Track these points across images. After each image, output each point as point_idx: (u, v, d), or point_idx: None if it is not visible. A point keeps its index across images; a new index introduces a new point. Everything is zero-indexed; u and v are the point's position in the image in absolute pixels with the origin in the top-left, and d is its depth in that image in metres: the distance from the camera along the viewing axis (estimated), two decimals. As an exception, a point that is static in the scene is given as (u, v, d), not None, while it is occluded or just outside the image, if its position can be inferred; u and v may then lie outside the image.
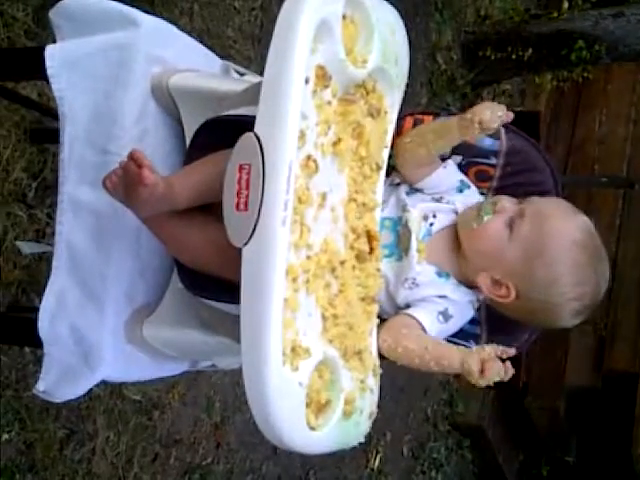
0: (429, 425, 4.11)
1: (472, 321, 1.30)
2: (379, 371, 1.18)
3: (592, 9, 4.09)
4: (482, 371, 1.08)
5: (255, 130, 0.94)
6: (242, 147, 0.95)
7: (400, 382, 3.89)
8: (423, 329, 1.22)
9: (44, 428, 1.96)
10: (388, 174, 1.28)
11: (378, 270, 1.17)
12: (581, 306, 1.22)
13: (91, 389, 2.07)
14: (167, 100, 1.23)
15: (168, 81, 1.22)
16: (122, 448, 2.21)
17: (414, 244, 1.22)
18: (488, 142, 1.28)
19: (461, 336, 1.29)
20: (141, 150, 1.18)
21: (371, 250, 1.15)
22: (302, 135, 0.99)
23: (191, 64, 1.29)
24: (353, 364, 1.12)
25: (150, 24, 1.23)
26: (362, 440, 1.16)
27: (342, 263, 1.11)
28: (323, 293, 1.07)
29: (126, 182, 1.06)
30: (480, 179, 1.31)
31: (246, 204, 0.94)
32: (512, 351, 1.10)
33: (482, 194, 1.32)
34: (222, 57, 1.43)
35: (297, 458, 3.09)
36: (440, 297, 1.25)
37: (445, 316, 1.25)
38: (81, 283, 1.19)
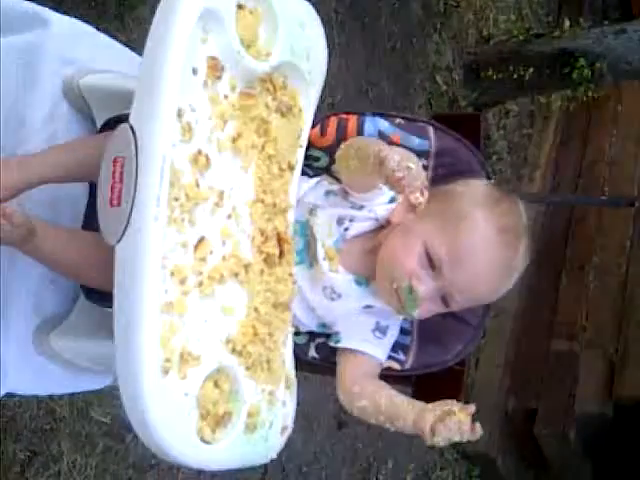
0: (434, 453, 4.00)
1: (402, 331, 1.23)
2: (294, 382, 1.11)
3: (594, 27, 4.03)
4: (433, 431, 0.99)
5: (130, 121, 0.89)
6: (117, 139, 0.91)
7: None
8: (370, 360, 1.17)
9: (2, 449, 1.91)
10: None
11: (290, 275, 1.11)
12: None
13: (55, 410, 2.05)
14: (80, 102, 1.19)
15: (79, 82, 1.18)
16: (90, 472, 2.15)
17: (320, 252, 1.14)
18: (417, 141, 1.22)
19: (391, 347, 1.22)
20: None
21: (281, 254, 1.09)
22: (188, 128, 0.93)
23: (110, 65, 1.25)
24: (261, 375, 1.05)
25: (62, 24, 1.20)
26: (274, 456, 1.09)
27: (246, 267, 1.04)
28: (224, 298, 1.01)
29: None
30: None
31: (119, 199, 0.89)
32: (472, 408, 1.00)
33: None
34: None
35: (289, 484, 3.02)
36: (365, 308, 1.19)
37: (380, 330, 1.19)
38: (-17, 292, 1.14)
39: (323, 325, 1.21)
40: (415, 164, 1.01)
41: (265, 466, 2.84)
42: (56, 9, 1.28)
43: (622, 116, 4.84)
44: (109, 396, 2.19)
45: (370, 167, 1.05)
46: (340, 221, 1.16)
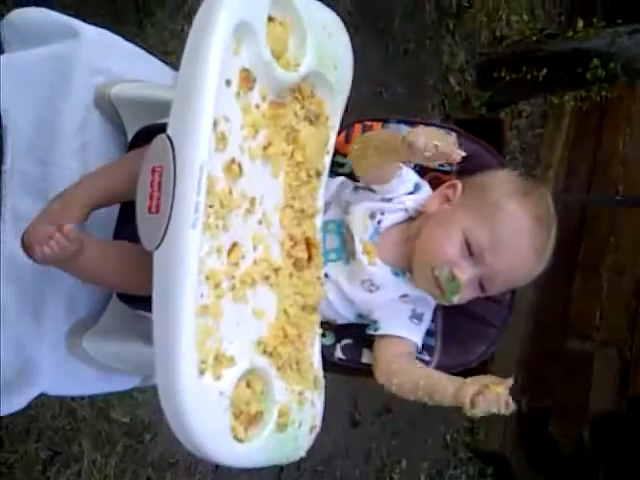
0: (448, 452, 4.02)
1: (427, 332, 1.26)
2: (321, 383, 1.14)
3: (608, 27, 4.04)
4: (472, 403, 1.04)
5: (167, 132, 0.93)
6: (155, 149, 0.94)
7: (416, 406, 3.77)
8: (408, 342, 1.22)
9: (25, 449, 1.95)
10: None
11: (319, 278, 1.14)
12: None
13: (75, 410, 2.09)
14: (110, 110, 1.22)
15: (110, 91, 1.21)
16: (110, 471, 2.19)
17: (358, 247, 1.19)
18: (440, 148, 1.25)
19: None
20: (84, 160, 1.18)
21: (310, 258, 1.12)
22: (222, 138, 0.97)
23: (139, 75, 1.28)
24: (291, 375, 1.08)
25: (92, 35, 1.23)
26: (303, 455, 1.12)
27: (276, 271, 1.08)
28: (256, 301, 1.05)
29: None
30: (435, 187, 1.27)
31: (158, 206, 0.92)
32: (510, 381, 1.05)
33: None
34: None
35: (305, 483, 3.04)
36: (402, 297, 1.23)
37: (417, 317, 1.24)
38: (22, 294, 1.18)
39: (360, 315, 1.25)
40: (441, 140, 1.05)
41: (281, 464, 2.88)
42: (75, 16, 1.32)
43: (635, 116, 4.84)
44: (128, 397, 2.24)
45: (396, 156, 1.12)
46: (372, 215, 1.21)
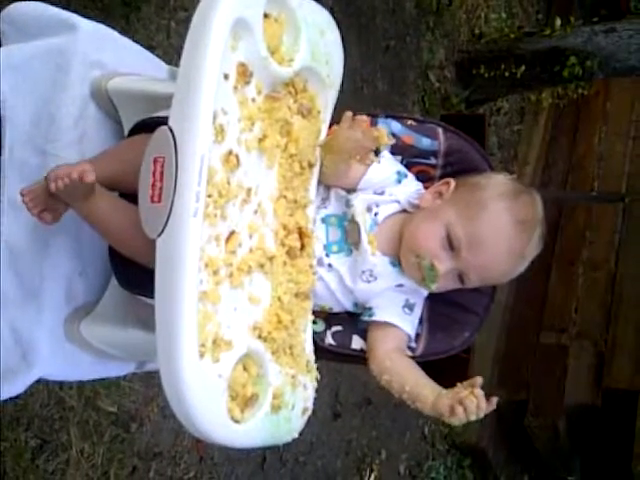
0: (427, 444, 4.07)
1: (414, 320, 1.31)
2: (313, 367, 1.18)
3: (584, 26, 4.10)
4: (452, 412, 1.12)
5: (169, 124, 0.96)
6: (157, 140, 0.97)
7: (396, 399, 3.79)
8: (401, 331, 1.28)
9: (14, 437, 1.97)
10: None
11: (311, 267, 1.18)
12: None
13: (64, 399, 2.12)
14: (107, 103, 1.26)
15: (107, 84, 1.24)
16: (98, 460, 2.21)
17: (364, 237, 1.24)
18: (426, 142, 1.30)
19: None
20: (81, 151, 1.21)
21: (302, 246, 1.16)
22: (221, 130, 1.00)
23: (134, 68, 1.31)
24: (284, 359, 1.12)
25: (89, 29, 1.26)
26: (295, 436, 1.16)
27: (271, 259, 1.12)
28: (252, 287, 1.09)
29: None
30: (421, 180, 1.32)
31: (160, 196, 0.96)
32: (479, 380, 1.13)
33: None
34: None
35: (287, 473, 3.08)
36: (397, 286, 1.28)
37: (409, 307, 1.29)
38: (21, 282, 1.21)
39: (356, 304, 1.30)
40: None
41: (264, 455, 2.92)
42: (65, 9, 1.34)
43: (610, 113, 4.93)
44: (116, 386, 2.27)
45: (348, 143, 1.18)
46: (369, 208, 1.26)
